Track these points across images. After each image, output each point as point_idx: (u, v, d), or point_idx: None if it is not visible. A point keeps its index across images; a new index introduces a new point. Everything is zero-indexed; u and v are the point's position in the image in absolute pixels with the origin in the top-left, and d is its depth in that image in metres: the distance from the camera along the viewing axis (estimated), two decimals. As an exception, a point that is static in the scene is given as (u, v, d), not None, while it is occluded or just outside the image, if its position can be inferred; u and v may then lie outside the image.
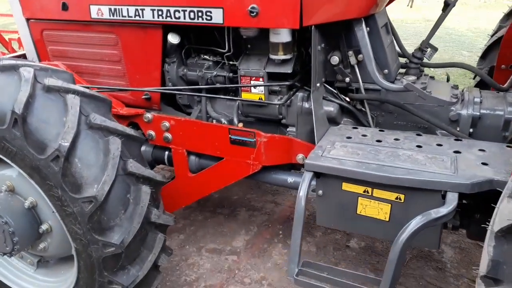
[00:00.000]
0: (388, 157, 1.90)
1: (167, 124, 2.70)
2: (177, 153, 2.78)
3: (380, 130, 2.24)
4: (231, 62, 2.56)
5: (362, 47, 2.19)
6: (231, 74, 2.59)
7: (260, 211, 3.75)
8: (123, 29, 2.61)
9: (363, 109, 2.40)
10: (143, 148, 2.93)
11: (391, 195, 1.82)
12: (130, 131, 2.11)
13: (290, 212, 3.71)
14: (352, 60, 2.27)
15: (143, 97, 2.77)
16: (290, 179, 2.56)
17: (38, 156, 1.88)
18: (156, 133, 2.78)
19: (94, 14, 2.59)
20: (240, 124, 2.61)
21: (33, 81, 1.95)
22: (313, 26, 2.14)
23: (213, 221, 3.63)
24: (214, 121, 2.73)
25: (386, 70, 2.30)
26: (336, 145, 2.09)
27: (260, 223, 3.59)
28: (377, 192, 1.85)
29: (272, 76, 2.47)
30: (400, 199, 1.80)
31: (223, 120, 2.66)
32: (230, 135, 2.54)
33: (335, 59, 2.25)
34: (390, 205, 1.84)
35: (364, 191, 1.87)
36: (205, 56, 2.64)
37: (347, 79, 2.29)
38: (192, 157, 2.80)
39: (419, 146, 2.00)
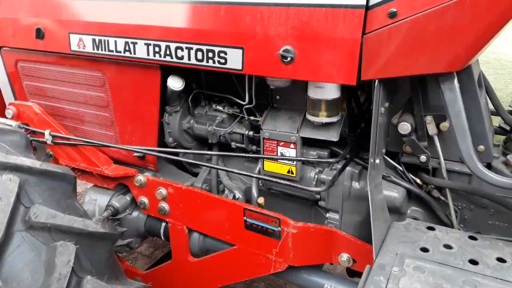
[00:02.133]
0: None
1: (163, 191, 2.02)
2: (175, 229, 2.09)
3: (470, 237, 1.46)
4: (252, 118, 1.85)
5: (450, 112, 1.43)
6: (251, 133, 1.88)
7: (283, 289, 2.99)
8: (111, 66, 1.96)
9: (441, 197, 1.63)
10: (135, 214, 2.26)
11: None
12: (95, 226, 1.43)
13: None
14: (432, 129, 1.51)
15: (135, 155, 2.10)
16: (328, 285, 1.81)
17: None
18: (150, 201, 2.10)
19: (74, 46, 1.95)
20: (261, 200, 1.89)
21: None
22: (376, 81, 1.40)
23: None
24: (226, 192, 2.02)
25: (482, 146, 1.53)
26: (406, 265, 1.34)
27: (282, 307, 2.83)
28: None
29: (308, 142, 1.75)
30: None
31: (237, 194, 1.94)
32: (245, 217, 1.82)
33: (405, 127, 1.50)
34: None
35: None
36: (218, 107, 1.95)
37: (423, 157, 1.53)
38: (195, 235, 2.09)
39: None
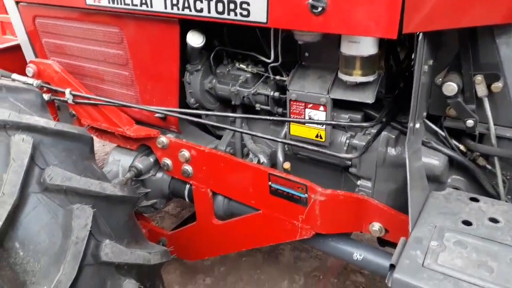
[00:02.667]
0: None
1: (186, 154, 1.95)
2: (199, 192, 2.03)
3: (519, 210, 1.32)
4: (277, 77, 1.71)
5: (505, 71, 1.25)
6: (277, 94, 1.75)
7: (309, 253, 2.94)
8: (128, 22, 1.84)
9: (488, 166, 1.47)
10: (159, 175, 2.21)
11: None
12: (113, 190, 1.37)
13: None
14: (481, 90, 1.33)
15: (156, 116, 2.02)
16: (358, 254, 1.72)
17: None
18: (173, 163, 2.04)
19: (89, 0, 1.83)
20: (287, 165, 1.78)
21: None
22: (420, 34, 1.23)
23: (249, 261, 2.88)
24: (251, 155, 1.92)
25: None
26: (446, 239, 1.22)
27: (309, 271, 2.79)
28: None
29: (340, 104, 1.60)
30: None
31: (262, 158, 1.84)
32: (270, 183, 1.73)
33: (451, 88, 1.33)
34: None
35: None
36: (241, 65, 1.81)
37: (470, 122, 1.36)
38: (220, 198, 2.03)
39: None
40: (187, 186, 2.13)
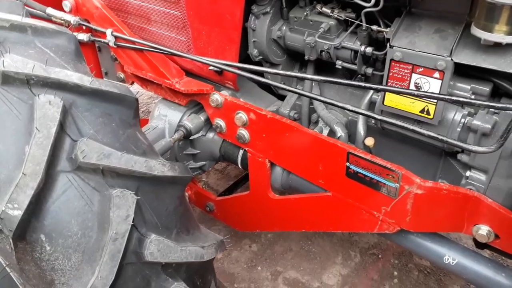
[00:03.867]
0: None
1: (244, 117, 1.62)
2: (255, 161, 1.73)
3: None
4: (374, 27, 1.30)
5: None
6: (369, 49, 1.35)
7: (366, 227, 2.65)
8: None
9: None
10: (210, 135, 1.93)
11: None
12: (161, 169, 1.08)
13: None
14: None
15: (211, 68, 1.68)
16: (450, 257, 1.39)
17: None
18: (227, 125, 1.73)
19: None
20: (370, 141, 1.43)
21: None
22: None
23: (300, 233, 2.63)
24: (321, 124, 1.57)
25: None
26: None
27: (366, 248, 2.51)
28: None
29: (459, 69, 1.19)
30: None
31: (338, 131, 1.49)
32: (348, 163, 1.39)
33: None
34: None
35: None
36: (324, 9, 1.40)
37: None
38: (278, 169, 1.73)
39: None
40: (241, 151, 1.83)
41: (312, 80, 1.47)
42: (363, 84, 1.23)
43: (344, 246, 2.53)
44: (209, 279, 1.25)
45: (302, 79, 1.57)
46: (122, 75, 2.17)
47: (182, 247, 1.07)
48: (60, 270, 0.95)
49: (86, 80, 1.06)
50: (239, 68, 1.52)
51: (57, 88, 1.02)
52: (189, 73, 1.85)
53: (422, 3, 1.19)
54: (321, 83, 1.61)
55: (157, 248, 1.02)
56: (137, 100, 1.18)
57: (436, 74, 1.14)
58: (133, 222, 0.99)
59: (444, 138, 1.03)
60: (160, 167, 1.08)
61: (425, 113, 1.22)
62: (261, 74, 1.66)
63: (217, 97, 1.68)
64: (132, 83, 2.12)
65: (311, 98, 1.54)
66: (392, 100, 1.27)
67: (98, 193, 0.99)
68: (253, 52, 1.59)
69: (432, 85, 1.16)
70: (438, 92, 1.14)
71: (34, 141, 0.93)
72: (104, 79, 1.55)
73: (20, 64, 1.00)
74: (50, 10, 1.89)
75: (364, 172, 1.37)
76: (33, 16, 1.75)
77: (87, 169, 0.98)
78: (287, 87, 1.43)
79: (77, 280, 0.95)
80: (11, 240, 0.91)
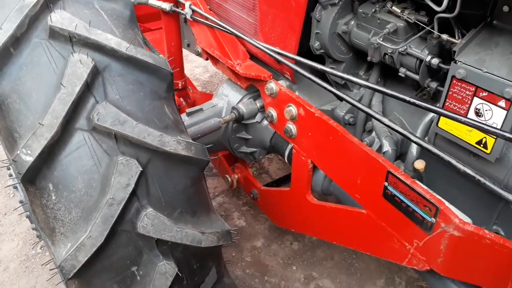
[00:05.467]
0: None
1: (293, 110, 1.55)
2: (298, 159, 1.65)
3: None
4: (445, 36, 1.12)
5: None
6: (435, 60, 1.17)
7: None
8: None
9: None
10: (264, 123, 1.89)
11: None
12: (175, 146, 1.07)
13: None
14: None
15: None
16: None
17: (9, 154, 1.06)
18: (278, 116, 1.67)
19: None
20: (421, 164, 1.26)
21: (35, 11, 1.06)
22: None
23: (345, 242, 2.47)
24: (374, 134, 1.43)
25: None
26: None
27: (414, 278, 2.28)
28: None
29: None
30: None
31: (385, 146, 1.33)
32: (386, 183, 1.24)
33: None
34: None
35: None
36: (394, 8, 1.24)
37: None
38: (321, 173, 1.64)
39: None
40: (289, 146, 1.76)
41: (364, 86, 1.30)
42: (407, 98, 1.05)
43: (391, 269, 2.32)
44: (209, 266, 1.22)
45: (357, 84, 1.41)
46: (199, 49, 2.22)
47: (178, 228, 1.06)
48: (61, 220, 1.01)
49: (123, 46, 1.09)
50: (295, 60, 1.44)
51: (95, 49, 1.06)
52: (254, 57, 1.82)
53: (507, 16, 0.98)
54: (386, 85, 1.45)
55: (151, 222, 1.02)
56: (172, 74, 1.18)
57: (502, 103, 0.93)
58: (135, 191, 1.01)
59: (482, 180, 0.85)
60: (174, 144, 1.07)
61: (481, 145, 1.02)
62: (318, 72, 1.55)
63: (273, 85, 1.62)
64: (207, 58, 2.16)
65: (363, 111, 1.36)
66: (447, 123, 1.09)
67: (108, 156, 1.02)
68: (314, 44, 1.49)
69: (496, 114, 0.96)
70: (501, 124, 0.94)
71: (58, 95, 0.98)
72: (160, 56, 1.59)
73: (67, 21, 1.05)
74: (142, -23, 1.99)
75: (401, 197, 1.21)
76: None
77: (101, 131, 1.01)
78: (343, 96, 1.28)
79: (73, 234, 1.00)
80: (20, 183, 0.98)
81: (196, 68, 4.17)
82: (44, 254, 2.38)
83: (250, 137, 1.98)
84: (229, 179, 2.29)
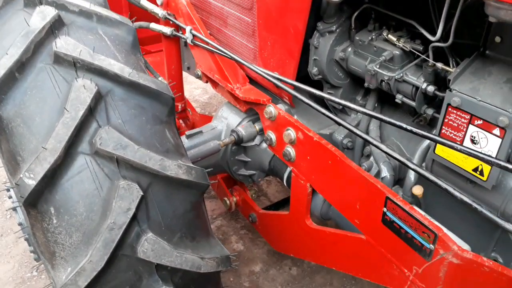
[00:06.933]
0: None
1: (292, 134, 1.56)
2: (297, 183, 1.66)
3: None
4: (440, 65, 1.15)
5: None
6: (431, 88, 1.20)
7: None
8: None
9: None
10: (263, 146, 1.90)
11: None
12: (176, 171, 1.08)
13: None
14: None
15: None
16: None
17: (11, 177, 1.07)
18: (277, 140, 1.69)
19: None
20: (419, 190, 1.27)
21: (40, 37, 1.08)
22: None
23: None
24: (372, 159, 1.44)
25: None
26: None
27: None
28: None
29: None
30: None
31: (384, 171, 1.35)
32: (385, 209, 1.25)
33: None
34: None
35: None
36: (390, 36, 1.28)
37: None
38: (320, 197, 1.64)
39: None
40: (288, 169, 1.77)
41: (359, 111, 1.31)
42: (404, 125, 1.07)
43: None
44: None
45: (353, 110, 1.42)
46: (199, 72, 2.25)
47: (178, 253, 1.06)
48: (61, 244, 1.01)
49: (126, 71, 1.11)
50: (293, 85, 1.47)
51: (98, 75, 1.08)
52: (253, 81, 1.85)
53: (499, 46, 1.01)
54: (384, 113, 1.47)
55: (151, 247, 1.02)
56: (173, 98, 1.20)
57: (496, 131, 0.95)
58: (135, 216, 1.01)
59: (479, 208, 0.86)
60: (174, 168, 1.08)
61: (478, 172, 1.03)
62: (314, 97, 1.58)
63: (272, 109, 1.65)
64: (206, 81, 2.19)
65: (361, 137, 1.37)
66: (444, 150, 1.11)
67: (110, 180, 1.02)
68: (313, 70, 1.52)
69: (490, 142, 0.98)
70: (496, 151, 0.96)
71: (62, 119, 0.99)
72: (161, 79, 1.61)
73: (71, 47, 1.08)
74: (144, 2, 2.04)
75: (400, 223, 1.21)
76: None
77: (103, 155, 1.02)
78: (340, 122, 1.30)
79: (73, 258, 1.00)
80: (22, 206, 0.98)
81: (195, 89, 4.21)
82: (40, 277, 2.35)
83: (249, 159, 1.99)
84: (228, 201, 2.29)
